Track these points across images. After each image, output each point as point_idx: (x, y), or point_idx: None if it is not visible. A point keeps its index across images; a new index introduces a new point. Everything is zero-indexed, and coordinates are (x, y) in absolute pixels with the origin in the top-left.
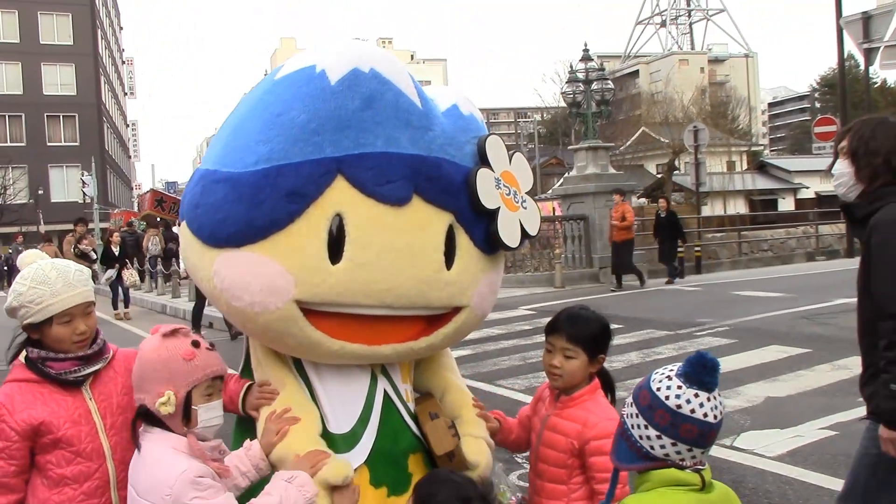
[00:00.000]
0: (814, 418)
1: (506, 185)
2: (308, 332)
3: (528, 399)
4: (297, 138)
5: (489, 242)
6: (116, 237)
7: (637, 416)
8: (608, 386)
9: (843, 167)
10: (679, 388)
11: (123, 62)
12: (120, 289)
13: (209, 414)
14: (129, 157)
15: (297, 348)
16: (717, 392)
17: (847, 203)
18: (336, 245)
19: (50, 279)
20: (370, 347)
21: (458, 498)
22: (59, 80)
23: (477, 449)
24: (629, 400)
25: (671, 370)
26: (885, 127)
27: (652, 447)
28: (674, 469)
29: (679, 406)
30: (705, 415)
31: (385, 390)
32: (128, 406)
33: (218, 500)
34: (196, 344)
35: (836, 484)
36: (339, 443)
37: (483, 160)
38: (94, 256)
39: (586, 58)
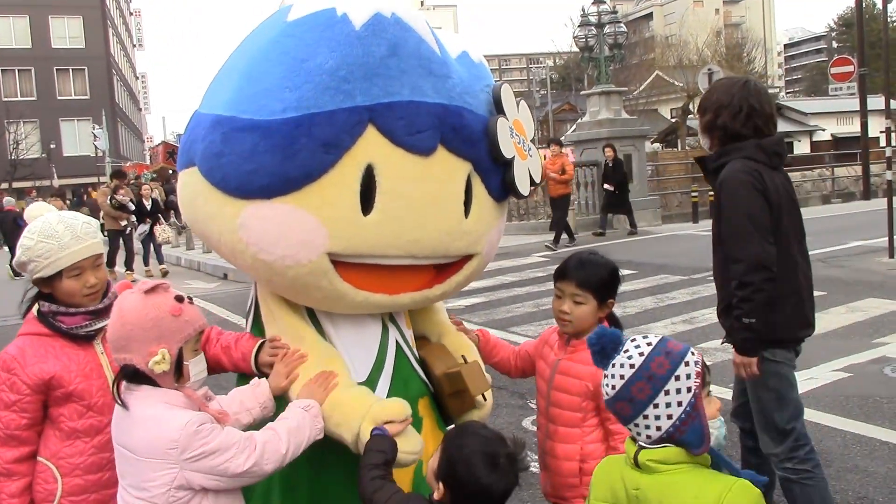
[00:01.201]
0: (828, 360)
1: (517, 133)
2: (337, 285)
3: None
4: (328, 86)
5: (502, 191)
6: (147, 190)
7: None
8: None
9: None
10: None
11: (131, 14)
12: (152, 245)
13: (198, 367)
14: (140, 109)
15: (323, 301)
16: (614, 362)
17: (699, 156)
18: (366, 196)
19: (57, 233)
20: (390, 297)
21: (486, 453)
22: (67, 32)
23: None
24: None
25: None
26: (727, 85)
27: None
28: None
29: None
30: (606, 394)
31: (396, 339)
32: None
33: (221, 438)
34: (180, 299)
35: (850, 425)
36: None
37: (498, 109)
38: (133, 207)
39: (599, 1)
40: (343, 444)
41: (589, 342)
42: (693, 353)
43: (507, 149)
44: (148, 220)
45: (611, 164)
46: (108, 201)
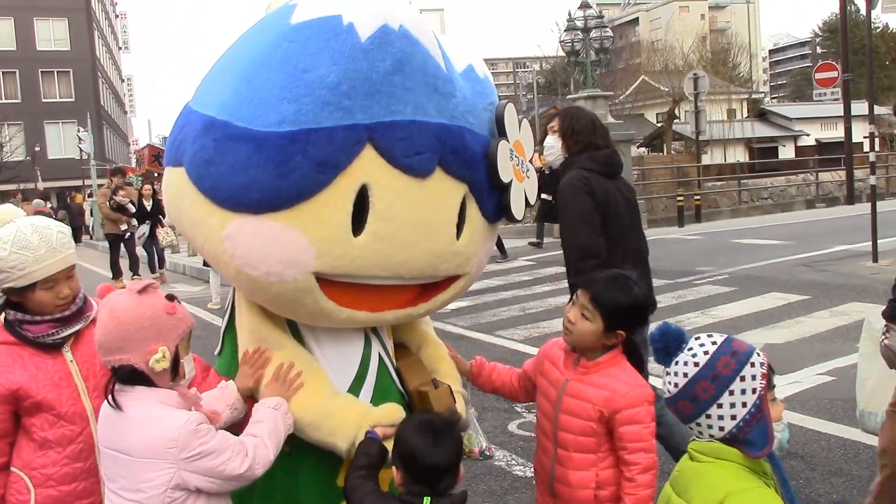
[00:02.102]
0: (812, 364)
1: (517, 155)
2: (321, 303)
3: (528, 349)
4: (328, 101)
5: (496, 213)
6: (148, 190)
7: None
8: (636, 364)
9: (554, 141)
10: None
11: (117, 16)
12: (154, 249)
13: (190, 365)
14: (126, 112)
15: (306, 316)
16: (678, 360)
17: (555, 170)
18: (357, 216)
19: (33, 244)
20: (373, 314)
21: (421, 423)
22: (52, 35)
23: (458, 404)
24: None
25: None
26: (584, 114)
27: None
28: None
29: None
30: (668, 391)
31: (379, 352)
32: None
33: (217, 439)
34: (171, 298)
35: (834, 429)
36: None
37: (500, 130)
38: (133, 209)
39: (585, 5)
40: (320, 450)
41: (652, 339)
42: (759, 354)
43: (506, 173)
44: (148, 221)
45: (547, 172)
46: (108, 203)
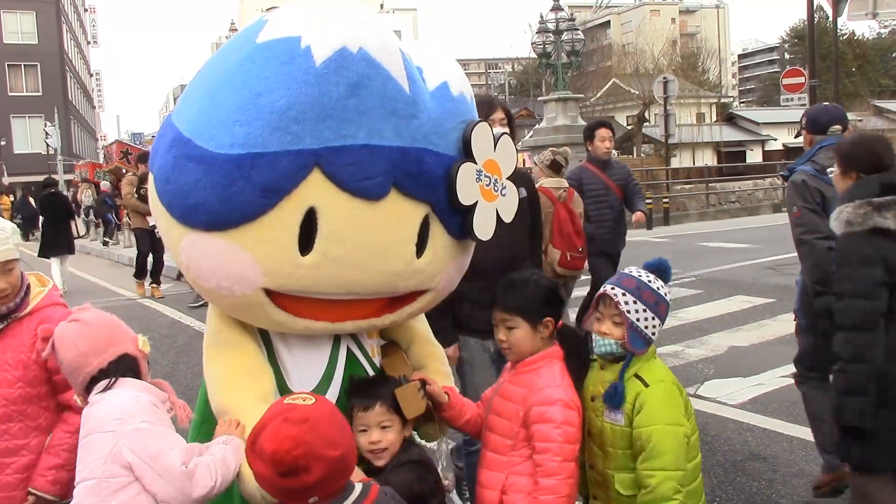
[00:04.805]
0: (776, 366)
1: (487, 174)
2: (273, 315)
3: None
4: (276, 126)
5: (463, 231)
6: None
7: (646, 311)
8: (578, 352)
9: None
10: (662, 284)
11: (86, 10)
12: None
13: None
14: (94, 107)
15: (263, 324)
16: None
17: None
18: (306, 236)
19: None
20: (333, 324)
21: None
22: (19, 27)
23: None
24: (630, 299)
25: (647, 275)
26: None
27: (654, 333)
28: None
29: (666, 296)
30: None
31: (348, 347)
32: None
33: (167, 431)
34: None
35: (796, 430)
36: None
37: (467, 151)
38: None
39: (557, 7)
40: None
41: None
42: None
43: (467, 196)
44: None
45: None
46: (134, 194)
